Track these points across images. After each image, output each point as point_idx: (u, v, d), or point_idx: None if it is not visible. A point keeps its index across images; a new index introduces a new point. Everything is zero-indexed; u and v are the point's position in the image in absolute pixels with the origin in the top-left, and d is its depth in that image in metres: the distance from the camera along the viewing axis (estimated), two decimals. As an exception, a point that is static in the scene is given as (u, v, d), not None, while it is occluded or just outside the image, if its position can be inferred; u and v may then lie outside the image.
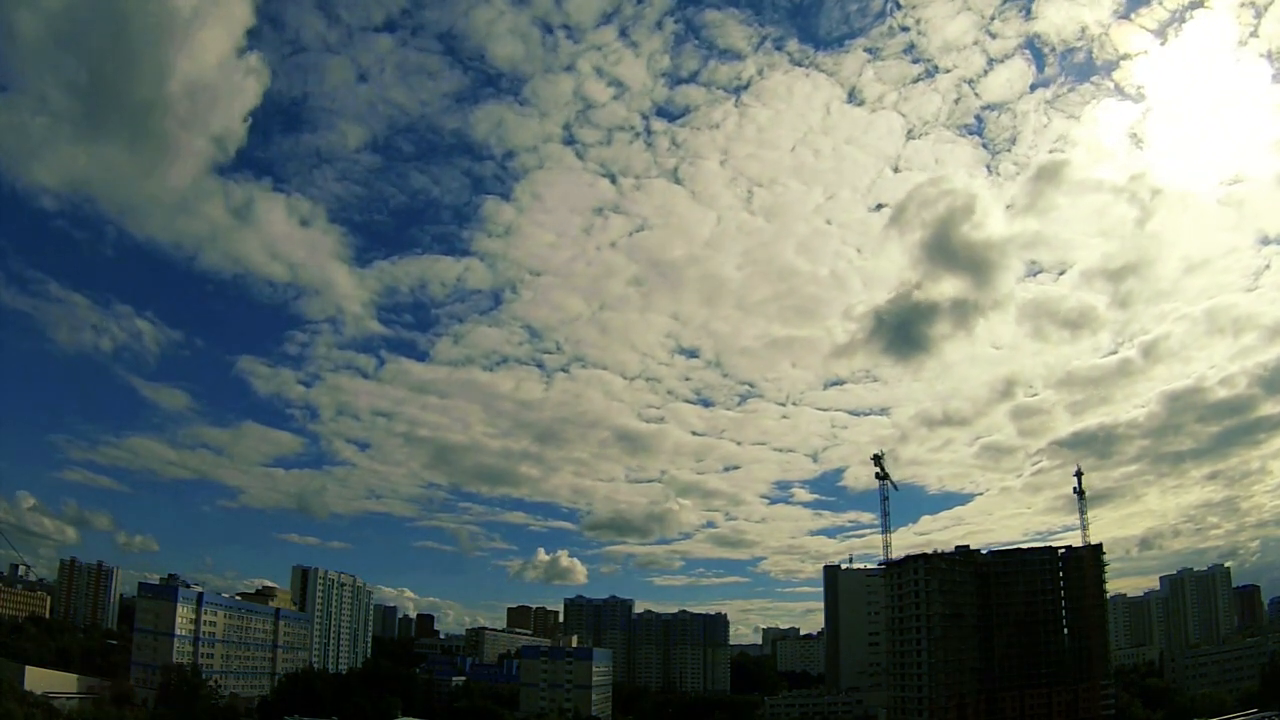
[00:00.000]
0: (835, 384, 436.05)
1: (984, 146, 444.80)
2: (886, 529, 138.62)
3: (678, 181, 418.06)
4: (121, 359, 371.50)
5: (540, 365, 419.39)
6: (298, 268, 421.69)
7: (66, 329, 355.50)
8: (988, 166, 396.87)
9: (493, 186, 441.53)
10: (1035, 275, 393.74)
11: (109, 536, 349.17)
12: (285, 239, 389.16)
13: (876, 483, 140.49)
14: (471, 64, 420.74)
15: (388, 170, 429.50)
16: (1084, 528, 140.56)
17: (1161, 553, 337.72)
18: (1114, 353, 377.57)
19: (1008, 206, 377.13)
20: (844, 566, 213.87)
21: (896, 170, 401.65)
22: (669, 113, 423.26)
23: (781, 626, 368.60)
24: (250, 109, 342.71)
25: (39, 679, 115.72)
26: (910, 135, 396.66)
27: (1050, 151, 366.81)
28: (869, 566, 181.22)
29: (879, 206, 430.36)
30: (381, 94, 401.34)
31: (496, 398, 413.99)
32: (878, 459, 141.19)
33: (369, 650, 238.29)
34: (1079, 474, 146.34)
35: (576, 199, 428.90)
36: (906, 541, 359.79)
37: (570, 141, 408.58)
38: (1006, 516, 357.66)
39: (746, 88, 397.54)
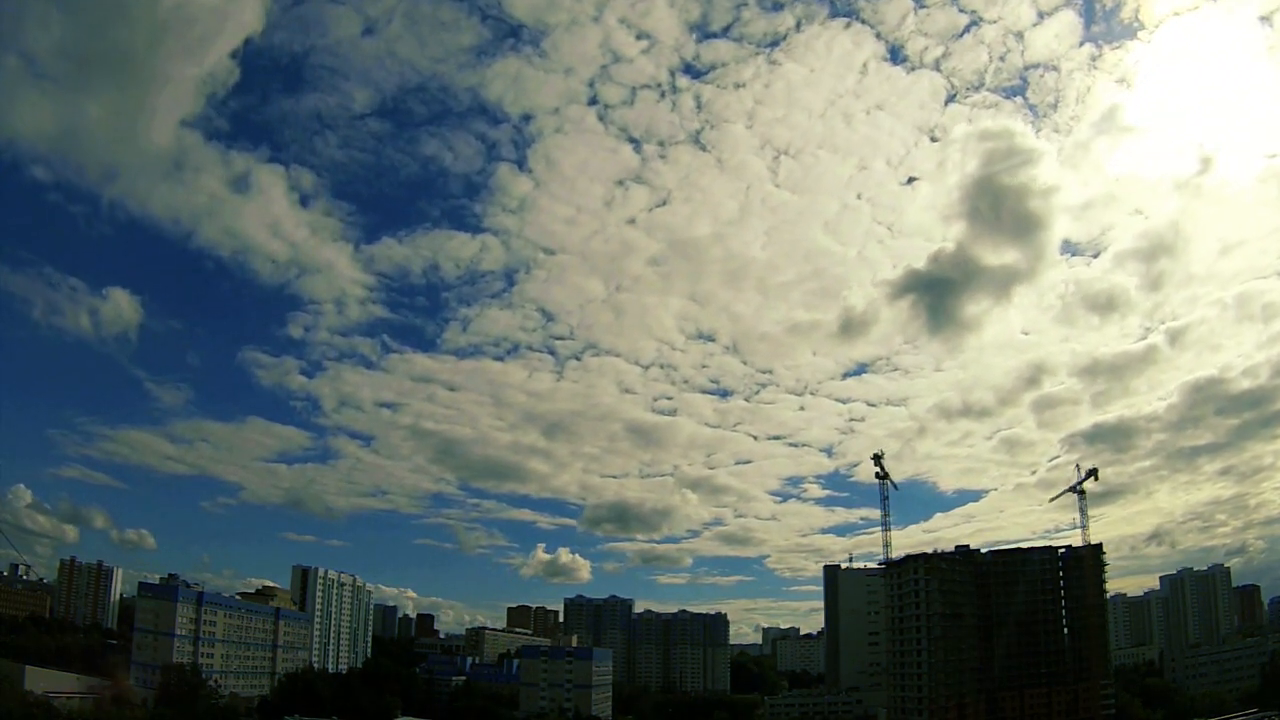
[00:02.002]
0: (853, 374, 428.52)
1: (1028, 109, 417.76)
2: (886, 527, 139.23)
3: (702, 148, 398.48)
4: (117, 346, 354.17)
5: (552, 352, 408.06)
6: (299, 246, 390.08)
7: (59, 314, 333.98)
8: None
9: (507, 153, 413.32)
10: (1070, 257, 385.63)
11: (105, 534, 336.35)
12: (285, 214, 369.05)
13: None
14: (489, 13, 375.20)
15: (396, 136, 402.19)
16: (1084, 527, 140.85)
17: (1171, 550, 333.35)
18: (1142, 339, 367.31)
19: (1056, 157, 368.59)
20: (844, 566, 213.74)
21: (934, 139, 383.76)
22: (695, 69, 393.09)
23: (782, 626, 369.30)
24: (248, 35, 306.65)
25: (39, 679, 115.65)
26: (951, 98, 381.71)
27: (1093, 116, 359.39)
28: (869, 566, 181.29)
29: (911, 180, 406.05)
30: (389, 49, 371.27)
31: (506, 388, 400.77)
32: (877, 458, 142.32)
33: (369, 650, 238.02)
34: (1080, 472, 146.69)
35: (597, 168, 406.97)
36: (916, 539, 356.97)
37: (593, 102, 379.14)
38: (1019, 513, 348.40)
39: (780, 42, 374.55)
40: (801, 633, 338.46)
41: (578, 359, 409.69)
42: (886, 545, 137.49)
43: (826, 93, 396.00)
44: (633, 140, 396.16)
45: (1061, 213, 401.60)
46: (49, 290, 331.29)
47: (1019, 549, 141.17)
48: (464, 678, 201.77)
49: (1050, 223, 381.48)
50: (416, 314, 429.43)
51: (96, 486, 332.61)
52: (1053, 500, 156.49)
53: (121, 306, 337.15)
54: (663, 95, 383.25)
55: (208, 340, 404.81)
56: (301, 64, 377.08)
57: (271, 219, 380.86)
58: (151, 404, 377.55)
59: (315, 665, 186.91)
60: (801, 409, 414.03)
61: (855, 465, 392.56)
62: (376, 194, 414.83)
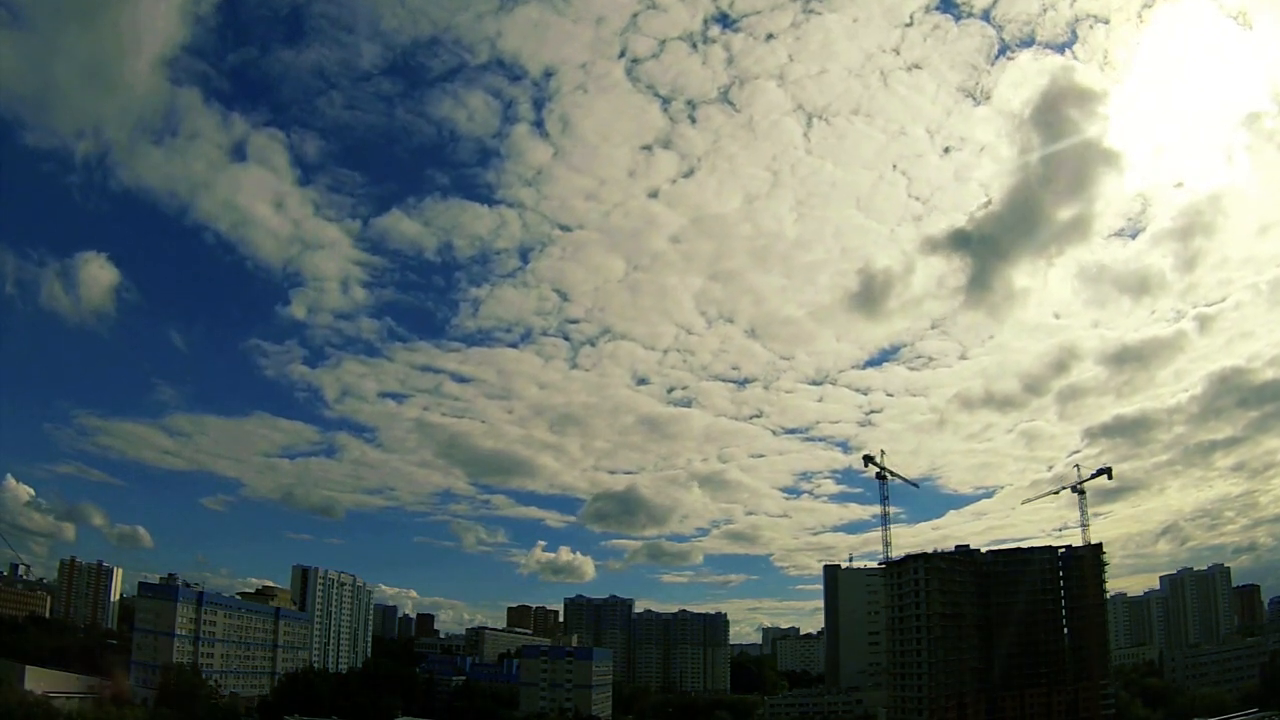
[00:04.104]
0: (875, 362, 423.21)
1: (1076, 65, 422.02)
2: (886, 526, 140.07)
3: (732, 106, 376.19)
4: (109, 331, 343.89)
5: (566, 337, 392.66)
6: (300, 222, 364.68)
7: (51, 298, 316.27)
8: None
9: (526, 114, 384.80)
10: (1107, 237, 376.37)
11: (101, 532, 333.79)
12: (286, 184, 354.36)
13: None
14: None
15: (406, 96, 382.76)
16: (1085, 526, 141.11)
17: (1179, 548, 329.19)
18: (1174, 323, 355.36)
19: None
20: (844, 565, 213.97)
21: (977, 104, 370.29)
22: (728, 18, 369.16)
23: (783, 626, 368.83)
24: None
25: (39, 679, 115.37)
26: (1000, 53, 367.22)
27: (1141, 75, 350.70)
28: (870, 565, 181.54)
29: (947, 150, 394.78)
30: None
31: (516, 378, 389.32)
32: (868, 459, 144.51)
33: (369, 650, 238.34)
34: (1081, 472, 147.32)
35: (622, 131, 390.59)
36: (925, 538, 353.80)
37: (620, 55, 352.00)
38: (1032, 510, 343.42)
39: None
40: (803, 632, 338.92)
41: (592, 344, 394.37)
42: (887, 544, 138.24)
43: (866, 46, 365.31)
44: (660, 98, 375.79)
45: (1111, 168, 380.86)
46: (41, 272, 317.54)
47: (1019, 549, 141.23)
48: (464, 678, 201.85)
49: (1100, 175, 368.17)
50: (426, 294, 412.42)
51: (93, 483, 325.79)
52: (1033, 500, 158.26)
53: (116, 288, 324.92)
54: (694, 47, 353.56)
55: (206, 326, 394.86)
56: (303, 14, 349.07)
57: (271, 190, 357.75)
58: (148, 394, 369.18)
59: (315, 665, 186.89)
60: (820, 400, 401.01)
61: (872, 460, 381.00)
62: (384, 159, 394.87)
